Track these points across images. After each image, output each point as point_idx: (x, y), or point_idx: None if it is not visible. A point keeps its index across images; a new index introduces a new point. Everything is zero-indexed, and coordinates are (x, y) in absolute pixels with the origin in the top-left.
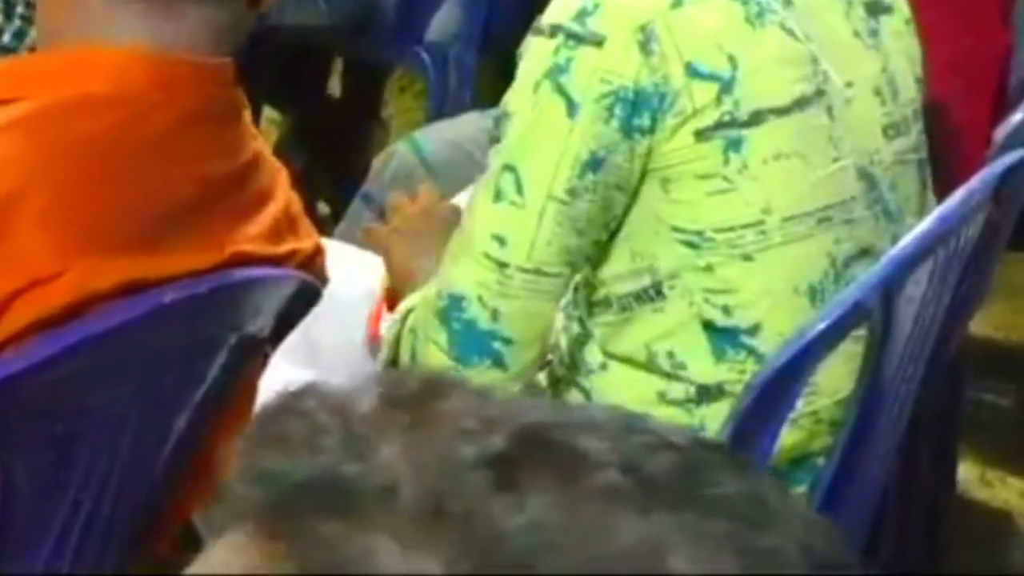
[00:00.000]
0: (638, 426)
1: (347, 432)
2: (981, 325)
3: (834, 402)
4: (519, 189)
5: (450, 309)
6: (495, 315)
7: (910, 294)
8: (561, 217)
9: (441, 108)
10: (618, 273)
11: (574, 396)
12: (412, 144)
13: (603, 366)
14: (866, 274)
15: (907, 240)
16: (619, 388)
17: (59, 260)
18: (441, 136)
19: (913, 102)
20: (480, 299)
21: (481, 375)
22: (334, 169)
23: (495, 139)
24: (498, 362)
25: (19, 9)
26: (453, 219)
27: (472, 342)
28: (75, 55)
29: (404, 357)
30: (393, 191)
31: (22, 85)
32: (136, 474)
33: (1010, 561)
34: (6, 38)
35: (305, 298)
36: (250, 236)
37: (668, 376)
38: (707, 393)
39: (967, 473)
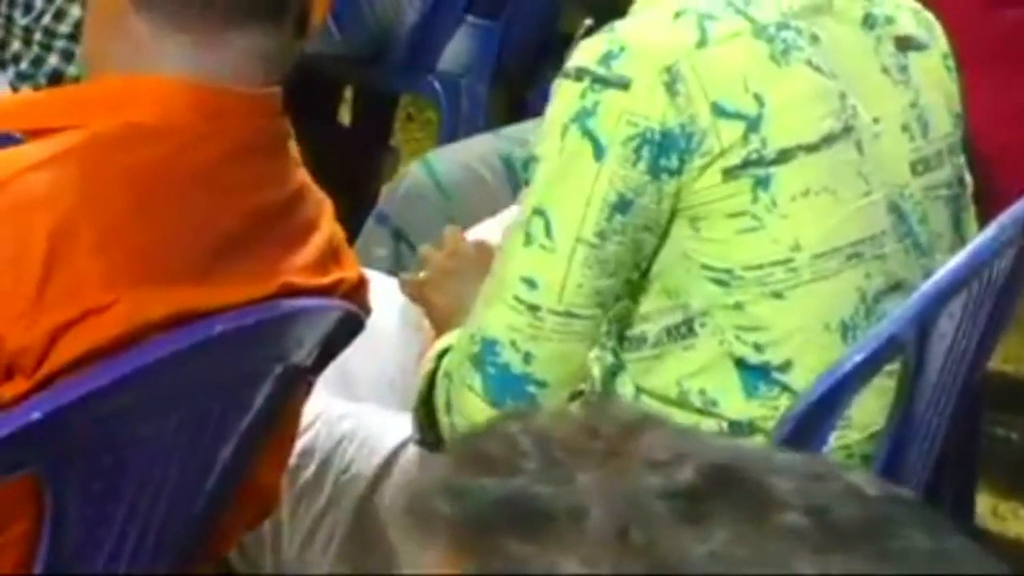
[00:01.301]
0: (828, 472)
1: (546, 457)
2: (992, 358)
3: (865, 436)
4: (548, 232)
5: (484, 353)
6: (528, 358)
7: (943, 328)
8: (591, 260)
9: (453, 138)
10: (651, 310)
11: None
12: (425, 165)
13: (636, 399)
14: (901, 307)
15: (941, 273)
16: None
17: (111, 290)
18: (454, 157)
19: (948, 137)
20: (513, 343)
21: None
22: (345, 196)
23: (525, 182)
24: (532, 405)
25: (37, 36)
26: (478, 254)
27: (506, 386)
28: (123, 85)
29: (439, 401)
30: (405, 211)
31: (70, 114)
32: (181, 503)
33: None
34: (23, 64)
35: (349, 328)
36: (297, 267)
37: (700, 412)
38: (739, 429)
39: (980, 507)
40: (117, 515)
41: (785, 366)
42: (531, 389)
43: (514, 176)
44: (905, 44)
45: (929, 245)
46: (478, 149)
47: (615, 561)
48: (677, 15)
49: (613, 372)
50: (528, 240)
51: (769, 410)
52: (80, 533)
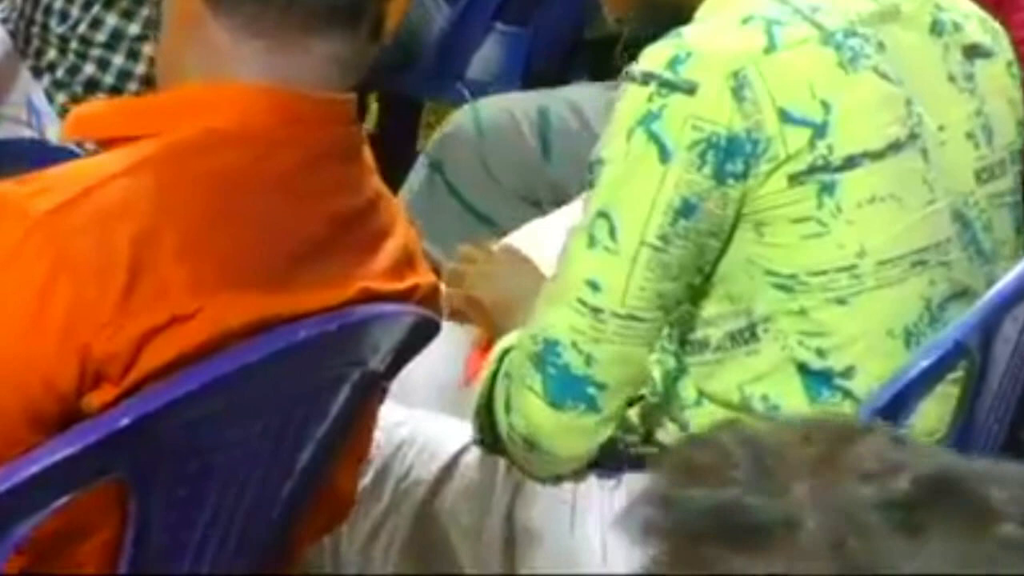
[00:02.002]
0: None
1: (758, 467)
2: None
3: (929, 443)
4: (613, 235)
5: (545, 354)
6: (589, 360)
7: (1007, 332)
8: (654, 263)
9: None
10: (714, 315)
11: (669, 430)
12: (473, 109)
13: (698, 402)
14: (966, 314)
15: (1007, 280)
16: (714, 423)
17: (196, 297)
18: (500, 103)
19: (1011, 145)
20: (574, 344)
21: (574, 420)
22: None
23: (589, 185)
24: (592, 406)
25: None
26: (509, 258)
27: (566, 387)
28: (201, 92)
29: (499, 401)
30: (445, 146)
31: (148, 122)
32: (262, 508)
33: None
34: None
35: (423, 333)
36: (375, 272)
37: (762, 418)
38: None
39: None
40: (200, 521)
41: (848, 372)
42: (591, 391)
43: (546, 126)
44: (972, 52)
45: (993, 252)
46: (523, 99)
47: (831, 573)
48: (744, 21)
49: (675, 376)
50: (592, 242)
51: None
52: (163, 539)
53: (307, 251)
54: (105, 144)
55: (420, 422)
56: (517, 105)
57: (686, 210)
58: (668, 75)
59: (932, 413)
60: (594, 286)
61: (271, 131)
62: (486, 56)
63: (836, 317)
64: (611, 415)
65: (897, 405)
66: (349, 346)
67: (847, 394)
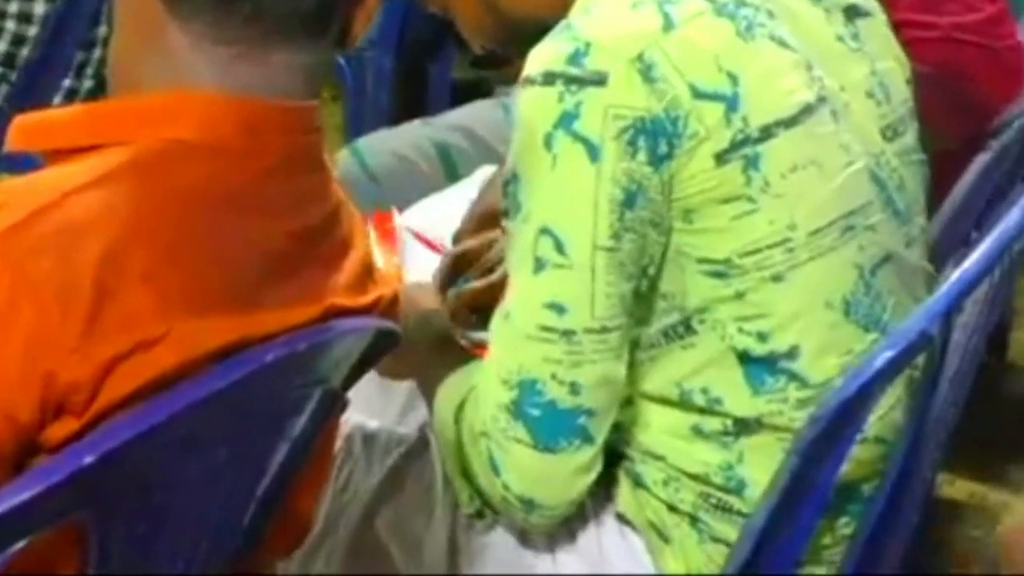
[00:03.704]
0: None
1: None
2: None
3: (876, 418)
4: (560, 250)
5: (523, 398)
6: (574, 388)
7: (966, 316)
8: (612, 265)
9: (359, 114)
10: (649, 313)
11: None
12: (355, 154)
13: (633, 403)
14: (929, 301)
15: (969, 263)
16: (648, 421)
17: (163, 321)
18: (383, 146)
19: (906, 102)
20: (554, 376)
21: (570, 458)
22: None
23: (506, 210)
24: (586, 439)
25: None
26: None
27: (556, 425)
28: (161, 100)
29: (482, 466)
30: None
31: (106, 132)
32: (222, 536)
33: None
34: None
35: (384, 344)
36: (340, 287)
37: (703, 411)
38: (745, 427)
39: None
40: (160, 554)
41: (791, 352)
42: (582, 421)
43: (451, 164)
44: (852, 12)
45: (907, 212)
46: (408, 137)
47: None
48: (635, 5)
49: None
50: (539, 265)
51: (778, 404)
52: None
53: (273, 268)
54: (56, 155)
55: (355, 430)
56: (403, 145)
57: (628, 201)
58: (573, 70)
59: (891, 399)
60: (558, 309)
61: (234, 141)
62: None
63: (773, 295)
64: (602, 445)
65: (864, 396)
66: (314, 365)
67: (792, 376)
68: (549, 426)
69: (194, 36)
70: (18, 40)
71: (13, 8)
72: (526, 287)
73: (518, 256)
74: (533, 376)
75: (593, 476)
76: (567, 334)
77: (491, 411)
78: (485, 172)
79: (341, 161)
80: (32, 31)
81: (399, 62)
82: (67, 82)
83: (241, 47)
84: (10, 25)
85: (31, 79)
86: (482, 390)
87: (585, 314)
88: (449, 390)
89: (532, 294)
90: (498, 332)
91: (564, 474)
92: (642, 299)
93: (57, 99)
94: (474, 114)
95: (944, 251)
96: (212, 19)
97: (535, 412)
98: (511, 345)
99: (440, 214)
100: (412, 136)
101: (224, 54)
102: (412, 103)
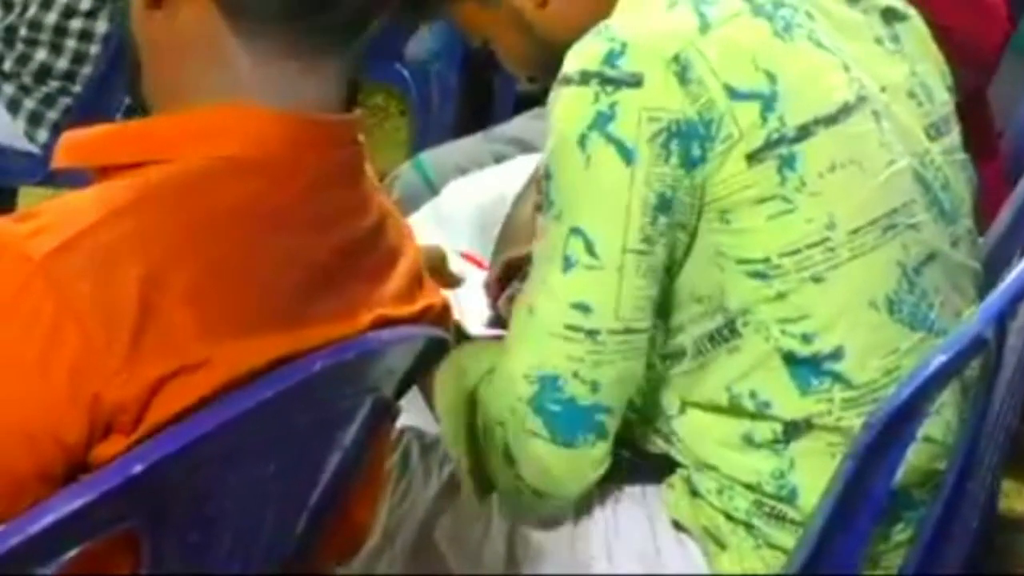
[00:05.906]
0: None
1: None
2: None
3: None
4: (591, 250)
5: (543, 393)
6: (595, 387)
7: (1020, 322)
8: (643, 268)
9: (425, 127)
10: (683, 321)
11: (655, 442)
12: (418, 168)
13: (682, 410)
14: (983, 304)
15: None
16: (702, 432)
17: (206, 344)
18: (446, 160)
19: (947, 104)
20: (576, 374)
21: (586, 453)
22: None
23: (538, 205)
24: (601, 434)
25: (23, 32)
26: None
27: (575, 421)
28: (210, 116)
29: (496, 454)
30: (403, 213)
31: (152, 148)
32: (275, 546)
33: None
34: (7, 64)
35: (434, 352)
36: (387, 298)
37: (753, 417)
38: (795, 430)
39: None
40: (213, 564)
41: (836, 354)
42: (600, 417)
43: None
44: (890, 15)
45: (953, 211)
46: (470, 151)
47: None
48: (671, 5)
49: (654, 387)
50: (568, 264)
51: (825, 404)
52: None
53: (318, 283)
54: (103, 172)
55: (412, 440)
56: (465, 159)
57: (663, 205)
58: (608, 71)
59: (947, 406)
60: (584, 308)
61: (282, 157)
62: (424, 35)
63: (815, 296)
64: (612, 439)
65: (919, 400)
66: (364, 374)
67: (837, 378)
68: (568, 422)
69: (256, 53)
70: (79, 58)
71: (75, 26)
72: (554, 285)
73: (547, 253)
74: (555, 372)
75: (604, 469)
76: (592, 333)
77: (510, 403)
78: (523, 163)
79: (404, 175)
80: (94, 49)
81: (464, 75)
82: (127, 100)
83: (299, 61)
84: (71, 43)
85: (92, 97)
86: (502, 381)
87: (611, 315)
88: (465, 359)
89: (560, 292)
90: (521, 326)
91: (579, 468)
92: (671, 306)
93: (118, 117)
94: (528, 126)
95: (1001, 258)
96: (274, 35)
97: (555, 408)
98: (534, 340)
99: (476, 195)
100: (474, 150)
101: (283, 69)
102: (477, 116)
